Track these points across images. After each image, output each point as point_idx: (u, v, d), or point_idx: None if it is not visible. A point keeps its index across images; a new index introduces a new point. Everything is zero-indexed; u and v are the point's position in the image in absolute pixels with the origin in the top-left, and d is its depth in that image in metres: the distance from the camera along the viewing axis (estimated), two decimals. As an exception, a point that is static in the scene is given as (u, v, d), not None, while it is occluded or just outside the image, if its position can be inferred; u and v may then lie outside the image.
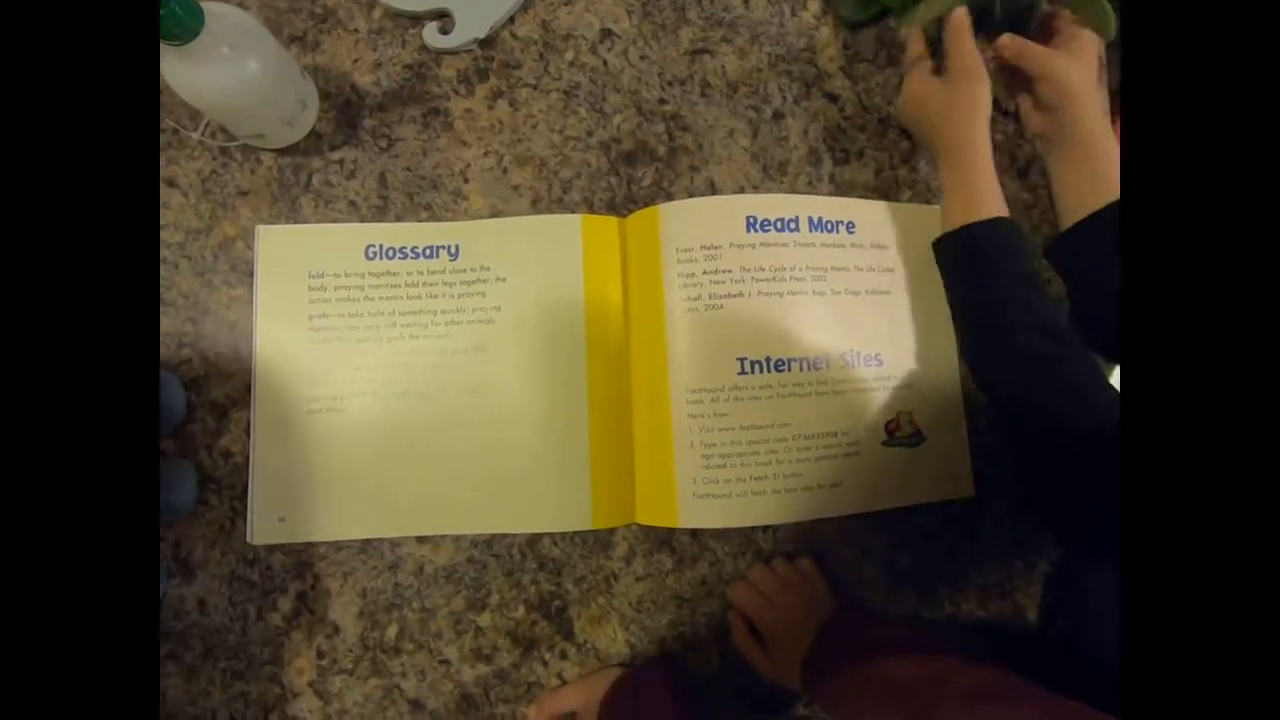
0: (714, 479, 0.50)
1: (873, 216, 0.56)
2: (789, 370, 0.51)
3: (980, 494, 0.54)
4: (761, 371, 0.50)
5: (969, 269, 0.52)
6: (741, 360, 0.50)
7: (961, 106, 0.51)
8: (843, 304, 0.53)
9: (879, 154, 0.58)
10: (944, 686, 0.39)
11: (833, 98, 0.59)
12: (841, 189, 0.58)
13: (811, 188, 0.57)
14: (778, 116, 0.58)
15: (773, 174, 0.57)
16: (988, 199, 0.51)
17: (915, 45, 0.56)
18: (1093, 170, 0.51)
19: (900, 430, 0.53)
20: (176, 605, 0.50)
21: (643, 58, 0.58)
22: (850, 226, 0.54)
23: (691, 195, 0.56)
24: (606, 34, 0.58)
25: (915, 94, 0.54)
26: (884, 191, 0.58)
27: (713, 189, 0.57)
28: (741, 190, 0.57)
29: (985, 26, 0.54)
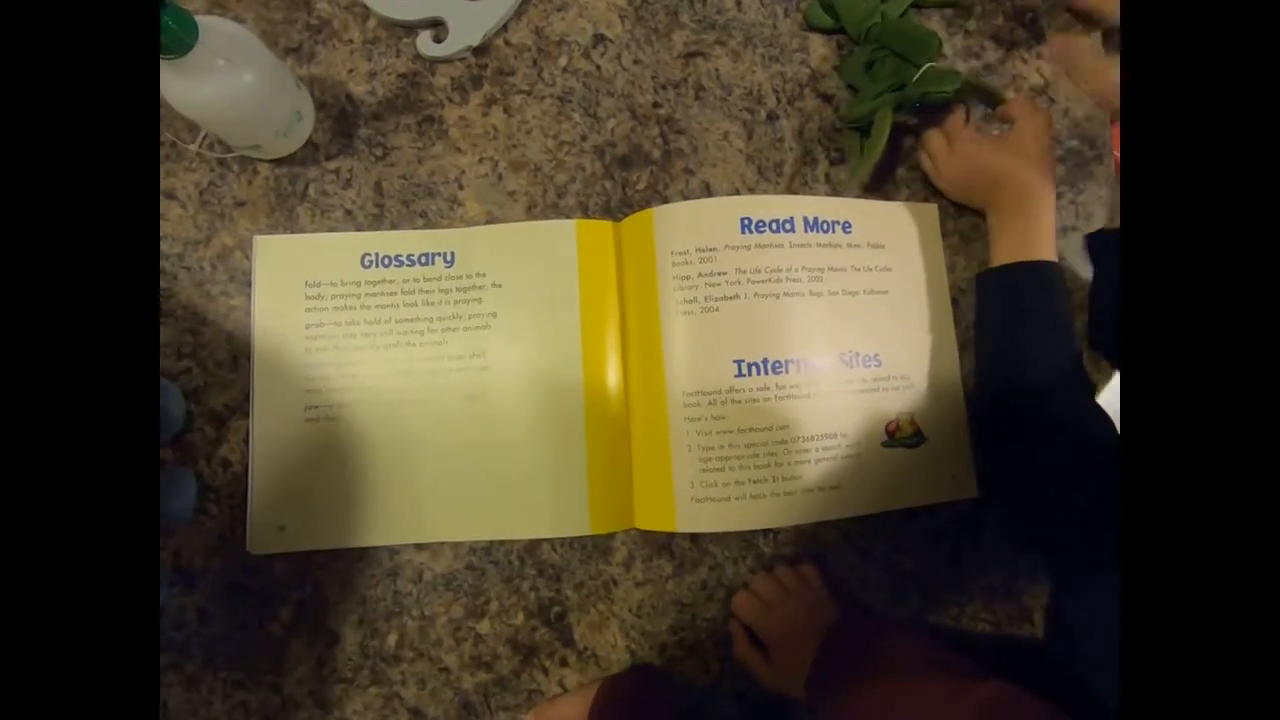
0: (712, 482, 0.49)
1: (869, 215, 0.55)
2: (786, 372, 0.50)
3: (983, 494, 0.54)
4: (759, 374, 0.50)
5: (1006, 304, 0.52)
6: (738, 363, 0.50)
7: (1032, 159, 0.52)
8: (840, 304, 0.52)
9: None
10: (951, 705, 0.38)
11: (827, 98, 0.59)
12: (837, 189, 0.57)
13: (807, 188, 0.57)
14: (772, 118, 0.58)
15: (768, 175, 0.57)
16: (1042, 245, 0.51)
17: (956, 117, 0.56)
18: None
19: (900, 431, 0.52)
20: (177, 615, 0.50)
21: (636, 62, 0.58)
22: (846, 226, 0.54)
23: (686, 198, 0.56)
24: (599, 39, 0.58)
25: (981, 159, 0.53)
26: (881, 191, 0.58)
27: (708, 191, 0.57)
28: (736, 192, 0.57)
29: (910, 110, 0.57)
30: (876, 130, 0.54)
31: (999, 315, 0.52)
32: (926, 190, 0.58)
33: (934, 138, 0.56)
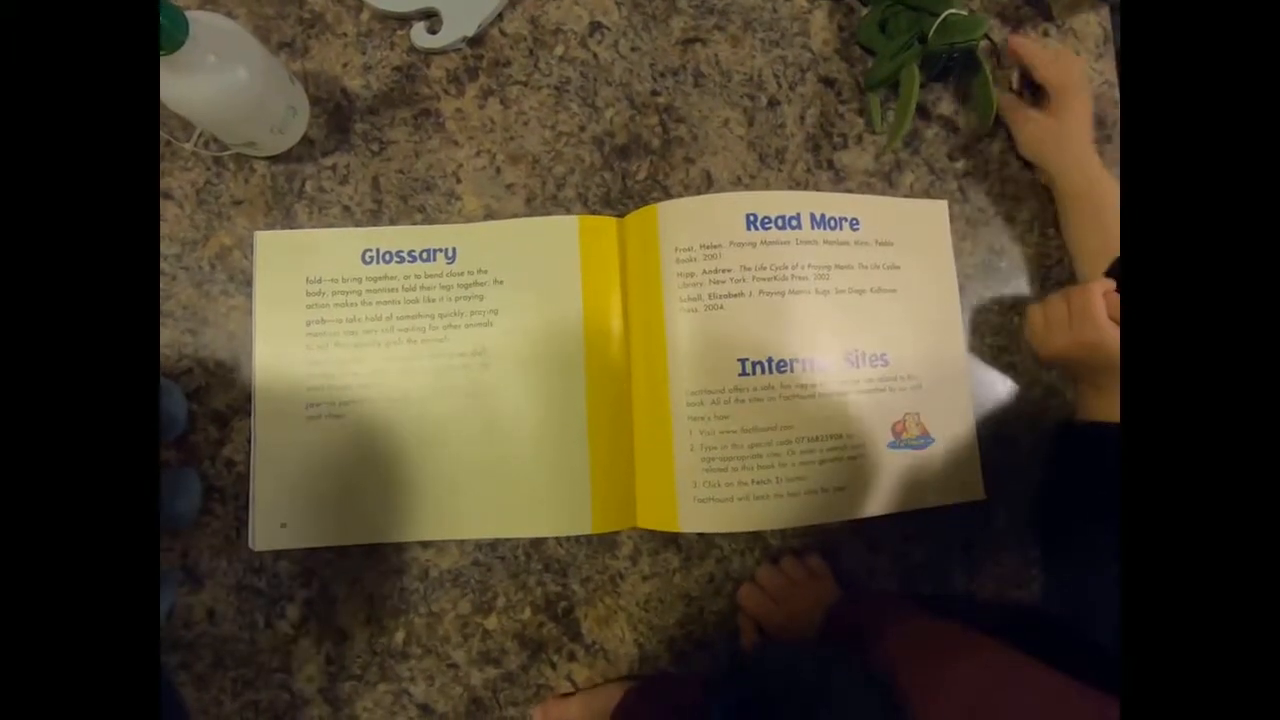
0: (715, 483, 0.49)
1: (877, 212, 0.54)
2: (791, 371, 0.49)
3: (991, 496, 0.53)
4: (763, 373, 0.49)
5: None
6: (743, 361, 0.49)
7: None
8: (847, 303, 0.51)
9: (878, 138, 0.57)
10: (931, 690, 0.39)
11: (829, 82, 0.58)
12: (841, 175, 0.56)
13: (810, 174, 0.56)
14: (773, 103, 0.57)
15: (770, 162, 0.56)
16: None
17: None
18: (1096, 223, 0.51)
19: (907, 432, 0.52)
20: (185, 615, 0.51)
21: (634, 49, 0.57)
22: (854, 223, 0.53)
23: (687, 187, 0.56)
24: (596, 27, 0.57)
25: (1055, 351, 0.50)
26: (885, 175, 0.57)
27: (709, 180, 0.56)
28: (739, 180, 0.56)
29: (934, 71, 0.56)
30: (904, 91, 0.53)
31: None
32: (932, 175, 0.57)
33: (1035, 314, 0.51)
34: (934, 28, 0.52)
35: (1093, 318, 0.47)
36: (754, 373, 0.49)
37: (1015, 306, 0.56)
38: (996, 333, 0.55)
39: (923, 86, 0.55)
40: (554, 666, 0.52)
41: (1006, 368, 0.55)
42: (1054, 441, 0.52)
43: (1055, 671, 0.37)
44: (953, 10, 0.52)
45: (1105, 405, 0.49)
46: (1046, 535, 0.52)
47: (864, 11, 0.58)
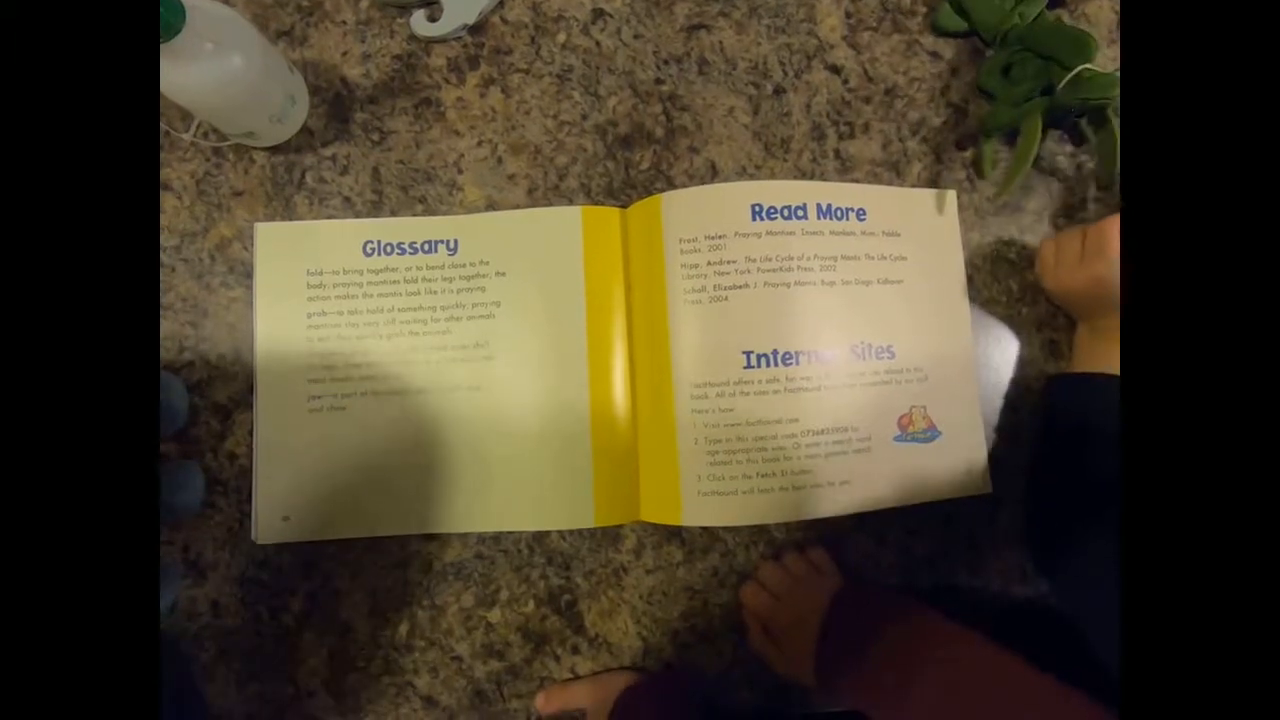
0: (719, 476, 0.48)
1: (884, 203, 0.53)
2: (796, 364, 0.49)
3: (997, 491, 0.53)
4: (768, 365, 0.49)
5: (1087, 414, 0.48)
6: (747, 354, 0.49)
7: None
8: (853, 294, 0.51)
9: (886, 126, 0.56)
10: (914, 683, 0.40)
11: (836, 69, 0.57)
12: (848, 165, 0.56)
13: (816, 164, 0.56)
14: (779, 92, 0.56)
15: (775, 152, 0.56)
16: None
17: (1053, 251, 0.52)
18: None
19: (913, 425, 0.51)
20: (189, 607, 0.51)
21: (637, 37, 0.56)
22: (861, 213, 0.52)
23: (691, 177, 0.55)
24: (599, 14, 0.56)
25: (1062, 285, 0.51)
26: (893, 165, 0.56)
27: (713, 170, 0.55)
28: (743, 170, 0.55)
29: (1061, 123, 0.55)
30: (1024, 143, 0.51)
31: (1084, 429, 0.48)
32: (939, 164, 0.56)
33: (1048, 247, 0.52)
34: (1064, 82, 0.50)
35: (1106, 251, 0.47)
36: (759, 365, 0.49)
37: (1024, 298, 0.55)
38: (1005, 324, 0.55)
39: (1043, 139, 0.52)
40: (557, 659, 0.52)
41: (1014, 360, 0.55)
42: (1046, 393, 0.52)
43: (1039, 672, 0.37)
44: (1087, 66, 0.49)
45: (1103, 351, 0.49)
46: (1034, 498, 0.52)
47: (988, 54, 0.56)
